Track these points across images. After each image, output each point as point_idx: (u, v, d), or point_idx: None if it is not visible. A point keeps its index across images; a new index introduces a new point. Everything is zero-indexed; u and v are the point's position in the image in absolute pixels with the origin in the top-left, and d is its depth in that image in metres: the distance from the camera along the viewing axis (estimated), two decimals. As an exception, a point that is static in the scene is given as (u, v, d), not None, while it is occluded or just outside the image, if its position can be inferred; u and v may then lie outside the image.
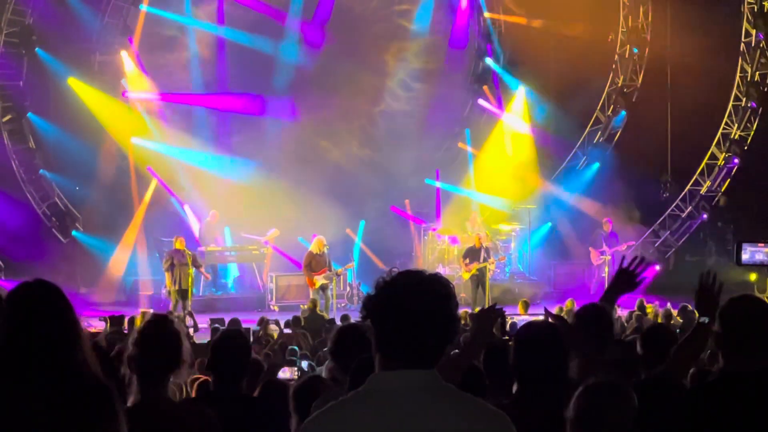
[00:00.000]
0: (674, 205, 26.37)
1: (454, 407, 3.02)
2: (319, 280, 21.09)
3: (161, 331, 4.54)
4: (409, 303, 3.03)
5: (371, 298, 3.12)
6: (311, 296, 20.63)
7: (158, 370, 4.47)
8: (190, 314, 18.61)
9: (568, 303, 16.93)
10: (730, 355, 4.29)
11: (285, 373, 10.50)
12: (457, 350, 5.12)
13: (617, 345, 5.97)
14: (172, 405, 4.57)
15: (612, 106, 26.46)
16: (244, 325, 14.16)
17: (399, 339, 3.03)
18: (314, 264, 21.17)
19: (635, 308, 16.02)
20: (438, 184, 26.17)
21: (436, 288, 3.08)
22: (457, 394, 3.08)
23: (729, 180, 25.81)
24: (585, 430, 3.91)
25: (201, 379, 8.15)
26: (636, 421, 3.94)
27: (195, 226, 23.87)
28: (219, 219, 23.41)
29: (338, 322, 16.01)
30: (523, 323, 4.92)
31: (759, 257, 21.06)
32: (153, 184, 24.15)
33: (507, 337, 8.75)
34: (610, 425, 3.89)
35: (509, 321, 12.81)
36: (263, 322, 15.05)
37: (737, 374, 4.23)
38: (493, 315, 4.91)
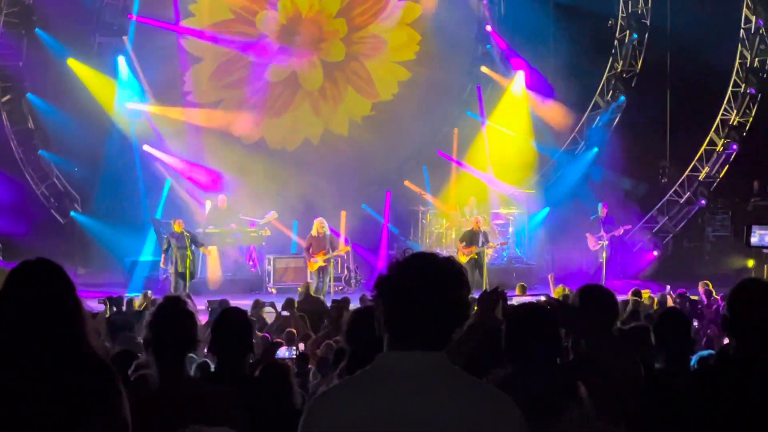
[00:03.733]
0: (672, 190, 26.36)
1: (461, 389, 3.01)
2: (317, 262, 21.02)
3: (175, 311, 4.56)
4: (423, 284, 3.03)
5: (385, 277, 3.11)
6: (309, 279, 20.67)
7: (175, 351, 4.48)
8: (188, 297, 18.48)
9: (558, 289, 16.87)
10: (739, 339, 4.26)
11: (284, 354, 10.47)
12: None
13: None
14: (193, 384, 4.59)
15: (611, 91, 26.41)
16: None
17: (410, 319, 3.03)
18: (313, 246, 21.12)
19: (629, 295, 15.96)
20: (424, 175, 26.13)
21: (451, 271, 3.09)
22: (464, 377, 3.08)
23: (727, 166, 25.81)
24: None
25: (199, 361, 8.06)
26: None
27: (198, 207, 23.89)
28: (228, 204, 23.20)
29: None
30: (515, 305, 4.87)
31: (768, 239, 21.10)
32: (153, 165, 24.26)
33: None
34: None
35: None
36: (257, 305, 15.00)
37: (746, 358, 4.21)
38: (495, 297, 4.87)
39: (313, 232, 21.24)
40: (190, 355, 4.86)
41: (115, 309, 15.14)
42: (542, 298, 6.45)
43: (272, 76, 25.63)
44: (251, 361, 5.67)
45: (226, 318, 5.46)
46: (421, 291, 3.02)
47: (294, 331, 12.33)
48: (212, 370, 6.04)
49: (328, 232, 21.38)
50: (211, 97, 25.45)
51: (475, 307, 4.90)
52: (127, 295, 17.27)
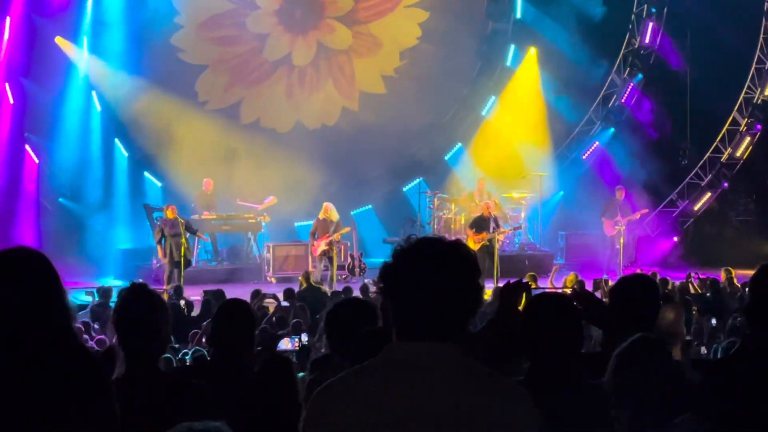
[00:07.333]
0: (693, 173, 25.97)
1: (473, 381, 2.94)
2: (320, 246, 20.85)
3: (139, 299, 4.57)
4: (429, 272, 2.94)
5: (389, 266, 3.00)
6: (310, 267, 20.75)
7: (141, 339, 4.48)
8: (177, 288, 17.93)
9: (570, 277, 16.55)
10: (760, 327, 4.23)
11: (285, 345, 10.59)
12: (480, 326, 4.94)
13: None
14: (159, 374, 4.64)
15: (628, 69, 26.00)
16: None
17: (419, 310, 2.94)
18: (318, 230, 21.00)
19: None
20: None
21: (459, 256, 2.98)
22: (477, 368, 3.00)
23: (751, 147, 25.45)
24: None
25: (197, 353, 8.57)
26: None
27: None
28: (213, 187, 22.81)
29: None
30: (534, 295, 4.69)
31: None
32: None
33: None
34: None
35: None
36: (258, 296, 14.83)
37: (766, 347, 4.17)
38: (519, 290, 4.74)
39: (320, 216, 21.17)
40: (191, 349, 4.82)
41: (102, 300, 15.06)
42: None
43: (297, 59, 25.48)
44: (252, 353, 5.66)
45: (229, 310, 5.50)
46: (427, 279, 2.94)
47: (300, 321, 12.31)
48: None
49: (334, 218, 21.11)
50: (229, 100, 25.29)
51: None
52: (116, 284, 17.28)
